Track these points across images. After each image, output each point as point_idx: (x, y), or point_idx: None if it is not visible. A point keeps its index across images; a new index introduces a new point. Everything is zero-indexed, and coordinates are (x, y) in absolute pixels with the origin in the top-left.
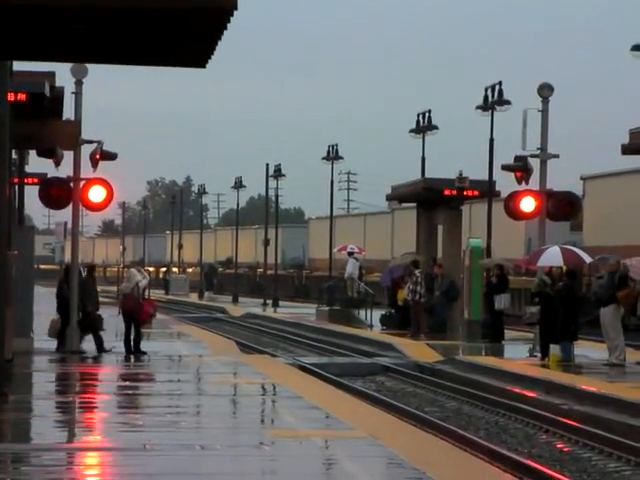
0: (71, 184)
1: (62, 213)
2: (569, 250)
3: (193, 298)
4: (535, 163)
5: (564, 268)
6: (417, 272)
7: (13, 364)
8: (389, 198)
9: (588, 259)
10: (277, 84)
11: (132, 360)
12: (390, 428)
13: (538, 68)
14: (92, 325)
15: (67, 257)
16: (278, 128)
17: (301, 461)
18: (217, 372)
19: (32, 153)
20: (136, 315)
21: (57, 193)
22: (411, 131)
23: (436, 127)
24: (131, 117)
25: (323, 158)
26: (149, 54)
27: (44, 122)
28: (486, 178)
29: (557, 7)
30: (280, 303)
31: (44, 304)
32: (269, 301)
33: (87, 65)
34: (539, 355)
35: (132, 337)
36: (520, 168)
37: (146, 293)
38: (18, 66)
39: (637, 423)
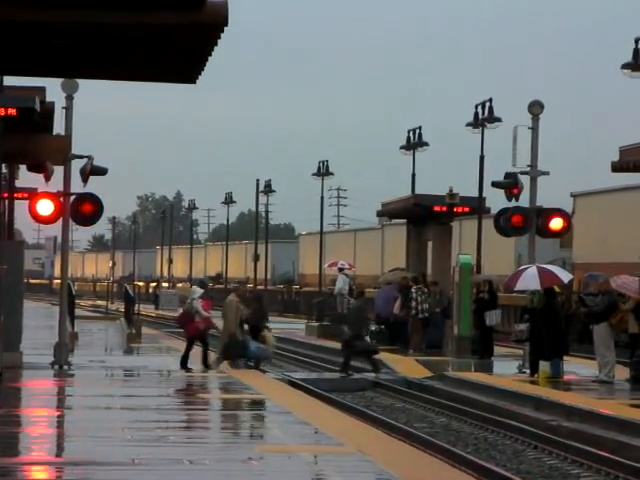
0: (61, 199)
1: (52, 228)
2: (547, 271)
3: None
4: (525, 180)
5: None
6: (415, 287)
7: (2, 378)
8: (379, 214)
9: (567, 278)
10: (268, 100)
11: (130, 376)
12: (379, 444)
13: (528, 84)
14: (367, 349)
15: (56, 271)
16: (269, 144)
17: (290, 476)
18: (206, 387)
19: (22, 168)
20: (185, 330)
21: (47, 208)
22: (402, 147)
23: (426, 144)
24: (121, 131)
25: (313, 174)
26: (139, 70)
27: (34, 137)
28: (476, 194)
29: (549, 22)
30: (270, 318)
31: (33, 318)
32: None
33: (78, 80)
34: (528, 371)
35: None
36: (510, 185)
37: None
38: (8, 81)
39: (625, 440)
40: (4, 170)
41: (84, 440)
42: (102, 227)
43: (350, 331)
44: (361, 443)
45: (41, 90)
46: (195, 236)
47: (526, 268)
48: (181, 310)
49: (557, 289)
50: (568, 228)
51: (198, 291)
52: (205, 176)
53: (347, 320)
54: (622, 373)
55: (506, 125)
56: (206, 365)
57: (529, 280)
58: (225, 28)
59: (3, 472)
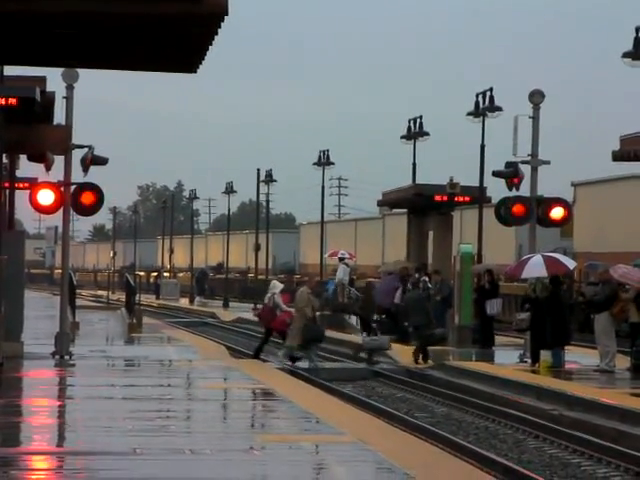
0: (62, 189)
1: (52, 218)
2: (552, 258)
3: (184, 303)
4: (526, 169)
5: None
6: (416, 276)
7: (3, 368)
8: (380, 204)
9: (572, 265)
10: (269, 89)
11: (132, 365)
12: (380, 433)
13: (529, 73)
14: (443, 337)
15: (57, 261)
16: (269, 133)
17: (291, 466)
18: (207, 377)
19: (23, 158)
20: (271, 324)
21: (47, 198)
22: (402, 137)
23: (427, 133)
24: (122, 121)
25: (314, 163)
26: (140, 60)
27: (35, 127)
28: (477, 184)
29: (548, 11)
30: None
31: (34, 308)
32: (260, 306)
33: (78, 70)
34: (529, 361)
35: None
36: (511, 174)
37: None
38: (8, 71)
39: (626, 429)
40: (5, 160)
41: (85, 430)
42: (103, 217)
43: (415, 321)
44: (362, 433)
45: (41, 80)
46: (196, 226)
47: (531, 257)
48: (261, 306)
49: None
50: (569, 218)
51: (278, 285)
52: (206, 166)
53: (408, 312)
54: (623, 362)
55: (507, 115)
56: (257, 357)
57: (534, 268)
58: (225, 18)
59: (4, 462)
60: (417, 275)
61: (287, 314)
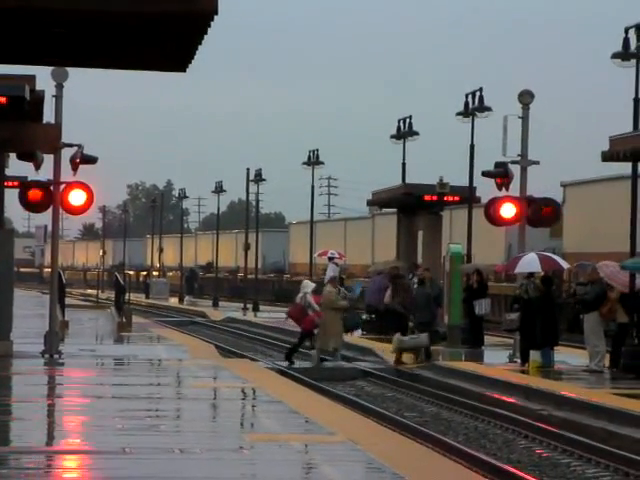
0: (51, 187)
1: (42, 216)
2: (546, 256)
3: (173, 302)
4: (516, 169)
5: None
6: (410, 276)
7: None
8: (370, 203)
9: (566, 265)
10: (258, 88)
11: (121, 364)
12: (369, 433)
13: (520, 73)
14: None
15: (47, 260)
16: (259, 133)
17: (280, 465)
18: (197, 376)
19: (12, 156)
20: (300, 323)
21: (37, 196)
22: (392, 137)
23: (417, 133)
24: (112, 120)
25: (304, 163)
26: (130, 58)
27: (24, 125)
28: (467, 184)
29: (540, 11)
30: (260, 307)
31: (24, 307)
32: (249, 305)
33: (68, 68)
34: (519, 361)
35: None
36: (500, 174)
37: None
38: None
39: (616, 429)
40: None
41: (74, 429)
42: (92, 216)
43: (421, 317)
44: (351, 432)
45: (31, 78)
46: (185, 225)
47: (525, 254)
48: (293, 304)
49: None
50: (558, 218)
51: (310, 285)
52: (196, 165)
53: (416, 308)
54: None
55: (498, 115)
56: (290, 360)
57: (529, 264)
58: (215, 17)
59: None
60: (411, 275)
61: (317, 314)
